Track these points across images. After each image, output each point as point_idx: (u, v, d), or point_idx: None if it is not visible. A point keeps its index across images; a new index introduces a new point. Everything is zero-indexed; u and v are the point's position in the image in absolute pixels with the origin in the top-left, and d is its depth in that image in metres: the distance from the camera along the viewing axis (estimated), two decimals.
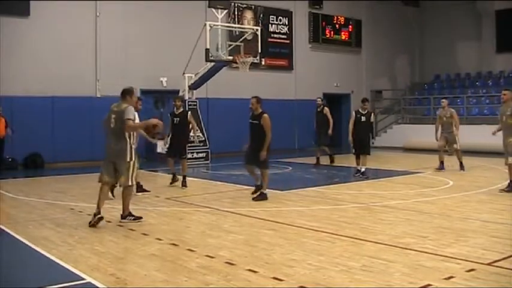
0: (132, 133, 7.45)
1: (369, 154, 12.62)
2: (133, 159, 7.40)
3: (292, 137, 21.59)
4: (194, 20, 17.69)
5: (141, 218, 7.65)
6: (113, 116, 7.44)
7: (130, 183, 7.44)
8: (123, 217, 7.62)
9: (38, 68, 16.10)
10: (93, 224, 7.25)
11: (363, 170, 12.35)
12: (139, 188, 10.16)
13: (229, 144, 16.99)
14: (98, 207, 7.33)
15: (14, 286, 5.00)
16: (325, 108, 15.28)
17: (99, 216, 7.30)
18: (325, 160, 15.44)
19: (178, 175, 11.30)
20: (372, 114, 12.85)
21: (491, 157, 16.11)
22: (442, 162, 13.56)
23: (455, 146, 13.57)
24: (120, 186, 7.68)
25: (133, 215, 7.62)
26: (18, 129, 15.18)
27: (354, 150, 12.64)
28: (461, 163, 13.56)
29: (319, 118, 15.23)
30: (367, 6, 24.95)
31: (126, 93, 7.60)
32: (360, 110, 12.54)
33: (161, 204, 9.12)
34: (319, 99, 15.57)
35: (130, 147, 7.40)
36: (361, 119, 12.35)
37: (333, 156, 15.50)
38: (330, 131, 14.93)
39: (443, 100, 14.26)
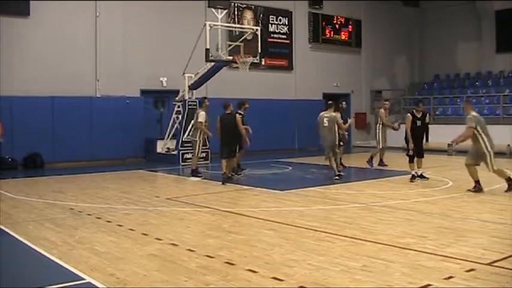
0: (336, 128, 11.89)
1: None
2: (336, 143, 11.91)
3: (292, 137, 21.55)
4: (194, 20, 17.67)
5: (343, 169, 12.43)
6: (325, 119, 11.86)
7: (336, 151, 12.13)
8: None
9: (37, 68, 16.09)
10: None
11: (419, 173, 11.79)
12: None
13: None
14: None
15: (14, 286, 4.99)
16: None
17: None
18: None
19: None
20: (428, 114, 12.04)
21: None
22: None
23: None
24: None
25: (339, 171, 11.97)
26: (18, 129, 15.19)
27: (411, 153, 11.67)
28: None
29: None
30: (366, 6, 24.96)
31: (332, 104, 12.13)
32: (415, 113, 11.69)
33: (161, 205, 9.11)
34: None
35: (336, 138, 11.86)
36: (417, 123, 11.58)
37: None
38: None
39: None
